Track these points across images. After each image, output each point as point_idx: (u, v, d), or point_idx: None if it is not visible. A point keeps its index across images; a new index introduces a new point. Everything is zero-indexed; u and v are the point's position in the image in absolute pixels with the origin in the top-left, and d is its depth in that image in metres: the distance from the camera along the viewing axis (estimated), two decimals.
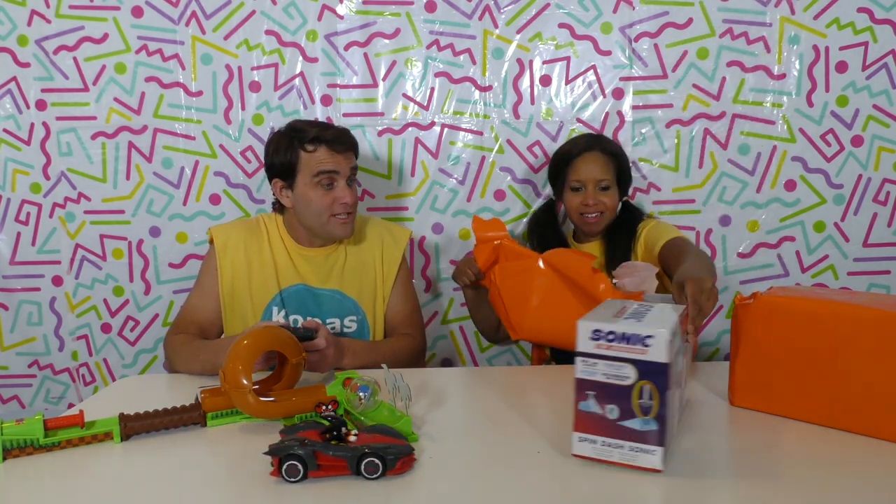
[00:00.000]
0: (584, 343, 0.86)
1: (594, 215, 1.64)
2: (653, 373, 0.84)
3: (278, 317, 1.52)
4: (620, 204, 1.71)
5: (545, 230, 1.78)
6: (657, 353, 0.83)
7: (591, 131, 1.89)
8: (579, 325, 0.87)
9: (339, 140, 1.47)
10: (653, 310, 0.94)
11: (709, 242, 1.95)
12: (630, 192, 1.85)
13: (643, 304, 0.99)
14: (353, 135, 1.53)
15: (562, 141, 1.91)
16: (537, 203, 1.94)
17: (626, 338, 0.84)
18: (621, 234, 1.65)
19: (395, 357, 1.48)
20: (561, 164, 1.69)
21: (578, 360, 0.87)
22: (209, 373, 1.32)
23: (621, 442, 0.86)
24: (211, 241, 1.55)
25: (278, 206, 1.57)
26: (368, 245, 1.60)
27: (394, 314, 1.61)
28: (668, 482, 0.84)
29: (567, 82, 1.92)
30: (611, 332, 0.85)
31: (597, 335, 0.85)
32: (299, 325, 1.51)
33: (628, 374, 0.84)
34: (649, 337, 0.83)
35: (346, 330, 1.56)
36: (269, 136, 1.56)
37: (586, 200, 1.63)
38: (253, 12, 1.88)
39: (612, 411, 0.86)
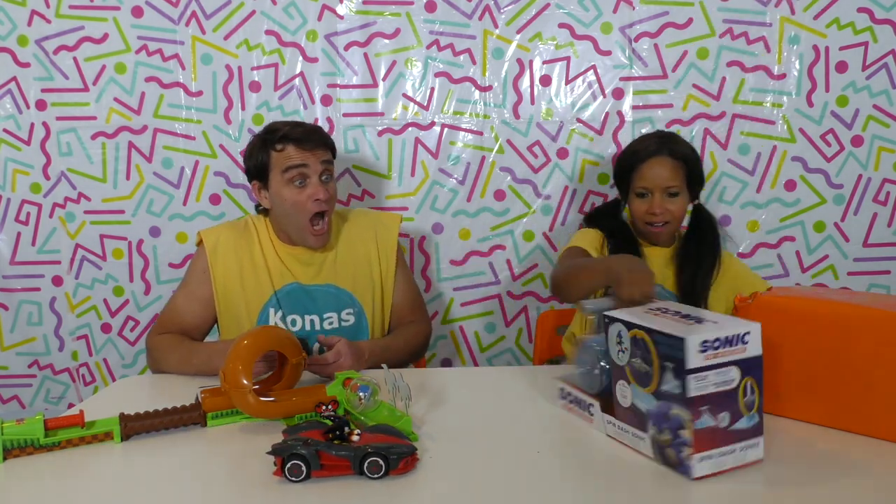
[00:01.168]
0: (694, 359, 0.81)
1: (660, 224, 1.55)
2: (753, 367, 0.85)
3: (275, 318, 1.50)
4: (692, 206, 1.62)
5: (610, 221, 1.65)
6: (754, 347, 0.84)
7: (662, 130, 1.80)
8: (687, 343, 0.81)
9: (308, 137, 1.46)
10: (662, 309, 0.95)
11: None
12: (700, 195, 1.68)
13: (645, 307, 0.99)
14: (326, 132, 1.51)
15: (561, 141, 1.92)
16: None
17: (728, 341, 0.83)
18: (697, 253, 1.57)
19: (411, 348, 1.49)
20: (627, 167, 1.59)
21: (690, 378, 0.81)
22: (203, 375, 1.31)
23: (733, 446, 0.85)
24: (199, 244, 1.52)
25: (262, 209, 1.55)
26: (360, 238, 1.57)
27: (401, 304, 1.59)
28: (659, 480, 0.84)
29: (567, 82, 1.92)
30: (717, 340, 0.82)
31: (705, 346, 0.82)
32: (299, 328, 1.51)
33: (734, 377, 0.84)
34: (747, 333, 0.84)
35: (343, 324, 1.52)
36: None
37: (652, 209, 1.53)
38: (253, 12, 1.88)
39: (724, 419, 0.84)
